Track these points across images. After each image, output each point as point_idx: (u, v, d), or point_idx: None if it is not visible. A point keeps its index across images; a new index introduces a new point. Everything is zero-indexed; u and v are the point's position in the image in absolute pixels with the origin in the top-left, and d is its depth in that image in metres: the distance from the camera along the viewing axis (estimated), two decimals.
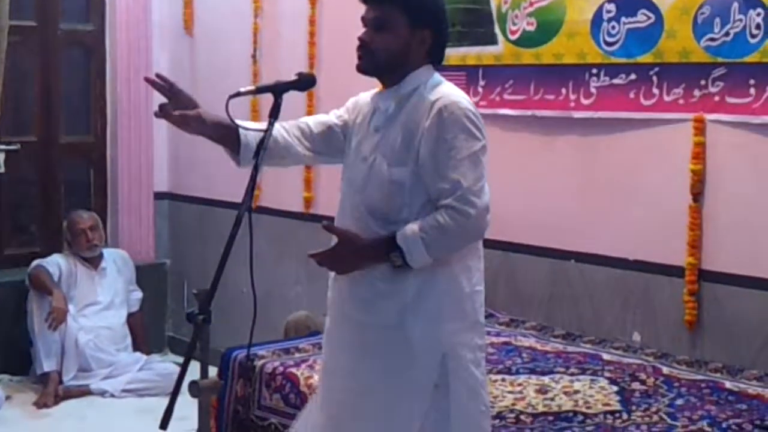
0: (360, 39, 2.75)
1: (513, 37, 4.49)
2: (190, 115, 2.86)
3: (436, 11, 2.78)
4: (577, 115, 4.29)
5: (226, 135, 2.88)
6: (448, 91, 2.69)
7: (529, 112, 4.46)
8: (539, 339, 4.22)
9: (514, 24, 4.47)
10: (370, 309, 2.73)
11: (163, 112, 2.84)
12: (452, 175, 2.60)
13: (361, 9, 2.79)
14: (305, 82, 2.91)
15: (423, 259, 2.61)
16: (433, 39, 2.75)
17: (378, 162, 2.72)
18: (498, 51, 4.55)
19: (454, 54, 4.60)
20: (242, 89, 2.83)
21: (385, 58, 2.73)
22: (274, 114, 2.80)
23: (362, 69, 2.78)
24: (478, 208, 2.59)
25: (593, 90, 4.23)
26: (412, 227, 2.61)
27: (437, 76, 2.79)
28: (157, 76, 2.87)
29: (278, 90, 2.82)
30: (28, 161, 6.11)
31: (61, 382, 5.52)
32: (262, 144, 2.75)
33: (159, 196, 6.50)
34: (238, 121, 2.84)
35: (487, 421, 2.81)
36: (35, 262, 5.66)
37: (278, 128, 2.84)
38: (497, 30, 4.54)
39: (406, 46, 2.72)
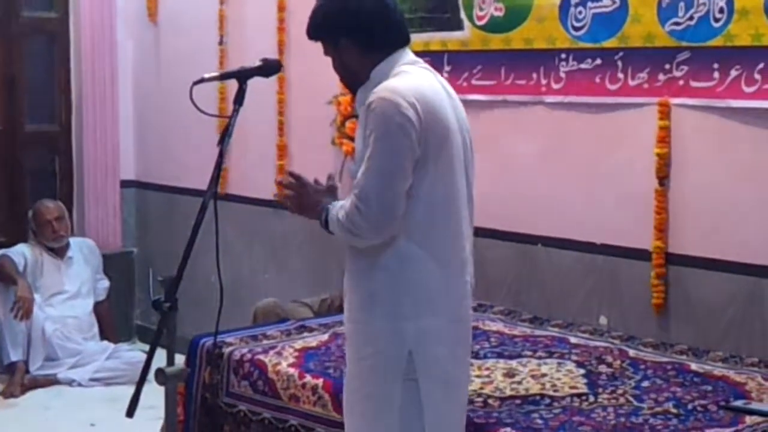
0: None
1: (480, 23, 4.49)
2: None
3: (340, 17, 2.72)
4: (548, 99, 4.30)
5: None
6: (387, 85, 2.62)
7: (500, 98, 4.46)
8: (507, 323, 4.24)
9: (481, 9, 4.47)
10: (348, 302, 2.75)
11: None
12: (362, 170, 2.58)
13: None
14: (270, 68, 2.90)
15: (337, 235, 2.65)
16: (356, 40, 2.70)
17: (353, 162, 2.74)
18: (464, 36, 4.55)
19: (417, 40, 4.56)
20: (206, 75, 2.83)
21: (344, 79, 2.82)
22: (239, 100, 2.80)
23: (352, 94, 2.84)
24: (375, 210, 2.55)
25: (563, 75, 4.24)
26: (343, 202, 2.62)
27: (403, 63, 2.72)
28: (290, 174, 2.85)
29: (243, 76, 2.81)
30: None
31: (27, 371, 5.49)
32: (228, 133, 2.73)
33: (125, 184, 6.47)
34: None
35: (464, 416, 2.80)
36: None
37: None
38: (463, 15, 4.54)
39: (342, 63, 2.75)
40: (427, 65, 2.80)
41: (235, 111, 2.78)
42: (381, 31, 2.73)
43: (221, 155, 2.76)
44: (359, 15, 2.71)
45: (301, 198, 2.76)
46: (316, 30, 2.76)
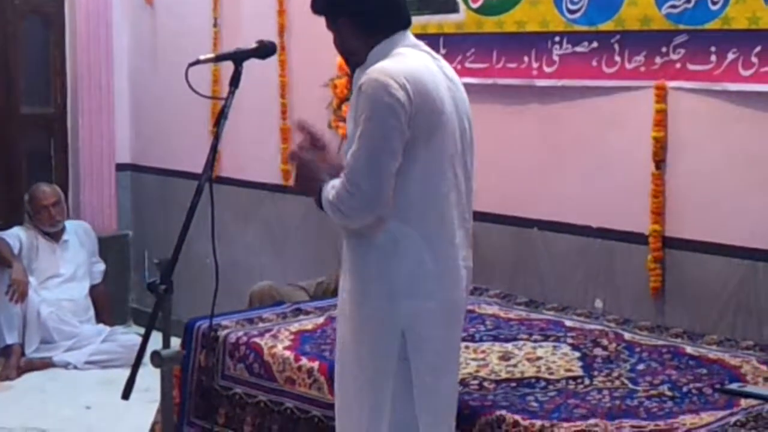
0: None
1: (475, 5, 4.48)
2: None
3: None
4: (540, 83, 4.29)
5: None
6: (379, 66, 2.62)
7: (491, 81, 4.45)
8: (502, 306, 4.24)
9: None
10: (342, 283, 2.77)
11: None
12: (352, 150, 2.59)
13: None
14: (266, 50, 2.89)
15: (329, 215, 2.66)
16: (353, 20, 2.71)
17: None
18: (460, 19, 4.54)
19: (415, 22, 4.53)
20: (201, 57, 2.83)
21: (344, 57, 2.83)
22: (235, 82, 2.79)
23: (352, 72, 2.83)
24: (363, 190, 2.56)
25: (556, 58, 4.23)
26: (335, 181, 2.63)
27: (401, 45, 2.71)
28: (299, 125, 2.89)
29: (238, 58, 2.81)
30: None
31: (23, 354, 5.49)
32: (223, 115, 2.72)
33: (121, 167, 6.45)
34: None
35: (454, 398, 2.82)
36: None
37: None
38: None
39: (342, 41, 2.75)
40: (428, 48, 2.80)
41: (231, 93, 2.78)
42: (380, 13, 2.74)
43: (217, 138, 2.75)
44: None
45: (304, 170, 2.74)
46: (318, 3, 2.78)
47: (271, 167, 5.56)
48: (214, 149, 2.73)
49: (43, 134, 6.34)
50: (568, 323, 3.96)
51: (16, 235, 5.66)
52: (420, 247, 2.65)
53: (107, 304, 6.08)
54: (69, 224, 5.93)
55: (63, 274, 5.80)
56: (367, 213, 2.61)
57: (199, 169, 2.74)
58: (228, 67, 2.86)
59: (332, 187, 2.63)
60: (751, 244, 3.74)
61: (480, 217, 4.42)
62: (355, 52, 2.74)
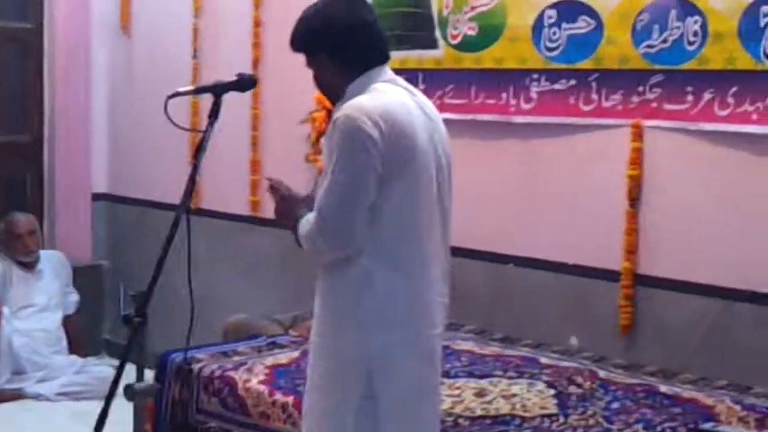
0: None
1: (454, 42, 4.51)
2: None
3: (315, 32, 2.74)
4: (518, 119, 4.32)
5: None
6: (353, 102, 2.63)
7: (469, 117, 4.47)
8: (478, 342, 4.24)
9: (455, 28, 4.49)
10: (316, 317, 2.75)
11: None
12: (324, 185, 2.60)
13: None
14: (245, 83, 2.90)
15: (300, 241, 2.68)
16: (335, 57, 2.71)
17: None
18: (439, 55, 4.57)
19: (394, 58, 4.53)
20: (181, 89, 2.83)
21: (323, 92, 2.83)
22: (214, 114, 2.80)
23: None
24: (334, 227, 2.58)
25: (534, 95, 4.26)
26: (309, 216, 2.64)
27: (379, 81, 2.72)
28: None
29: (218, 90, 2.82)
30: None
31: None
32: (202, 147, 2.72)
33: (97, 197, 6.42)
34: None
35: None
36: None
37: None
38: (438, 34, 4.56)
39: (321, 76, 2.77)
40: (405, 84, 2.80)
41: (210, 125, 2.79)
42: (358, 49, 2.74)
43: (195, 169, 2.76)
44: (338, 31, 2.73)
45: (282, 204, 2.78)
46: (297, 41, 2.79)
47: (245, 199, 5.56)
48: (192, 181, 2.73)
49: (18, 163, 6.30)
50: (543, 360, 3.96)
51: None
52: (392, 281, 2.63)
53: (80, 335, 6.03)
54: (43, 254, 5.89)
55: (37, 304, 5.75)
56: (338, 248, 2.61)
57: (176, 200, 2.74)
58: (207, 98, 2.87)
59: (307, 221, 2.64)
60: (725, 283, 3.76)
61: (456, 252, 4.40)
62: (334, 87, 2.75)
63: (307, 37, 2.75)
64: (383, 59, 2.79)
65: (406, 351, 2.66)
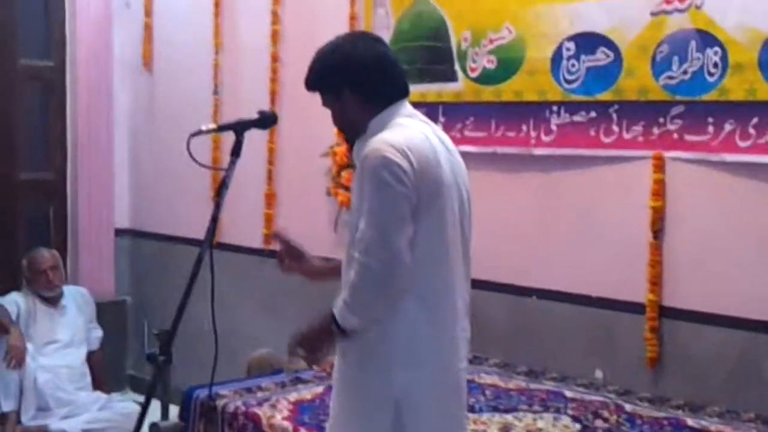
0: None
1: (473, 75, 4.52)
2: (297, 268, 3.02)
3: (342, 68, 2.73)
4: (538, 152, 4.32)
5: (336, 273, 2.88)
6: (381, 137, 2.63)
7: (490, 149, 4.48)
8: (502, 376, 4.22)
9: (474, 62, 4.51)
10: (339, 351, 2.73)
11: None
12: (361, 226, 2.56)
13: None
14: (267, 120, 2.91)
15: (353, 321, 2.57)
16: (357, 92, 2.72)
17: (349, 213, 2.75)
18: (458, 88, 4.58)
19: (414, 91, 4.55)
20: (203, 127, 2.83)
21: (346, 132, 2.81)
22: (236, 152, 2.80)
23: (349, 149, 2.85)
24: (381, 259, 2.52)
25: (554, 127, 4.26)
26: (342, 293, 2.59)
27: (402, 117, 2.72)
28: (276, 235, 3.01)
29: (240, 128, 2.82)
30: None
31: (19, 421, 5.42)
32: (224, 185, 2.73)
33: (120, 232, 6.46)
34: None
35: None
36: None
37: None
38: (457, 67, 4.57)
39: (343, 113, 2.75)
40: (425, 118, 2.81)
41: (232, 163, 2.79)
42: (380, 83, 2.75)
43: (218, 207, 2.77)
44: (361, 66, 2.74)
45: (301, 345, 2.72)
46: (317, 80, 2.77)
47: (260, 232, 5.58)
48: (214, 219, 2.74)
49: (42, 200, 6.35)
50: (568, 394, 3.94)
51: (14, 301, 5.63)
52: (418, 316, 2.62)
53: (104, 371, 6.03)
54: (67, 290, 5.90)
55: (60, 340, 5.76)
56: (390, 282, 2.54)
57: (198, 235, 2.75)
58: (228, 133, 2.88)
59: (341, 295, 2.58)
60: (751, 315, 3.73)
61: (478, 285, 4.41)
62: (357, 122, 2.73)
63: (328, 74, 2.75)
64: (404, 94, 2.79)
65: (433, 386, 2.65)
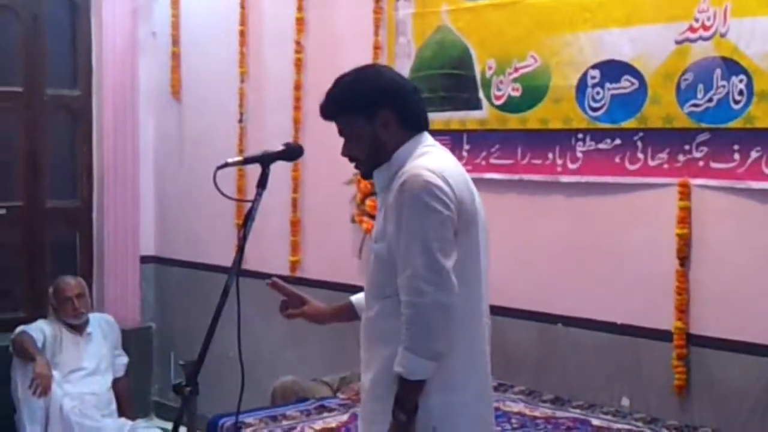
0: (342, 155, 2.79)
1: (498, 102, 4.53)
2: (301, 314, 3.05)
3: (382, 89, 2.73)
4: (564, 179, 4.31)
5: (346, 313, 2.99)
6: (418, 163, 2.63)
7: (516, 177, 4.48)
8: (528, 404, 4.20)
9: (499, 89, 4.52)
10: (366, 379, 2.72)
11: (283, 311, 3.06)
12: (405, 263, 2.54)
13: None
14: (293, 153, 2.92)
15: (423, 366, 2.53)
16: (396, 112, 2.70)
17: (372, 240, 2.73)
18: (483, 116, 4.59)
19: (438, 118, 4.66)
20: (230, 160, 2.85)
21: (369, 159, 2.75)
22: (262, 184, 2.81)
23: (364, 177, 2.84)
24: (430, 292, 2.50)
25: (579, 154, 4.26)
26: (400, 348, 2.54)
27: (426, 144, 2.73)
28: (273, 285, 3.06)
29: (266, 160, 2.83)
30: (14, 226, 6.11)
31: None
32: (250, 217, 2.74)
33: (145, 259, 6.49)
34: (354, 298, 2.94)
35: None
36: (19, 328, 5.61)
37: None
38: (481, 95, 4.58)
39: (375, 138, 2.70)
40: (444, 148, 2.82)
41: (258, 195, 2.80)
42: (416, 109, 2.77)
43: (244, 238, 2.78)
44: (404, 89, 2.77)
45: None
46: (352, 102, 2.71)
47: (286, 259, 5.59)
48: (240, 250, 2.75)
49: (68, 227, 6.40)
50: (595, 422, 3.92)
51: (40, 329, 5.66)
52: (452, 340, 2.61)
53: (130, 398, 6.05)
54: (92, 317, 5.93)
55: (86, 367, 5.78)
56: (448, 307, 2.53)
57: (223, 261, 2.77)
58: (253, 165, 2.90)
59: (402, 337, 2.54)
60: None
61: (504, 312, 4.45)
62: (386, 148, 2.71)
63: (370, 94, 2.71)
64: (427, 124, 2.81)
65: (470, 410, 2.66)
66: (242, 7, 5.86)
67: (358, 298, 2.92)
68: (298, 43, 5.50)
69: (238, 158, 2.91)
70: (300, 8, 5.49)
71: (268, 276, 5.60)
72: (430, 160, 2.66)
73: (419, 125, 2.76)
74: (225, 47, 5.96)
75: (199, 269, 6.14)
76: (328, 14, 5.38)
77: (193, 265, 6.25)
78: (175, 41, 6.35)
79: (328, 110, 2.78)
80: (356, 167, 2.81)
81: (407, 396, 2.55)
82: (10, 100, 5.99)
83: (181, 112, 6.37)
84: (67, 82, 6.32)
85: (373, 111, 2.70)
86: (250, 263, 5.67)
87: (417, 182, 2.56)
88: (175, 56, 6.35)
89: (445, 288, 2.52)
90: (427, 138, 2.77)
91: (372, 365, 2.70)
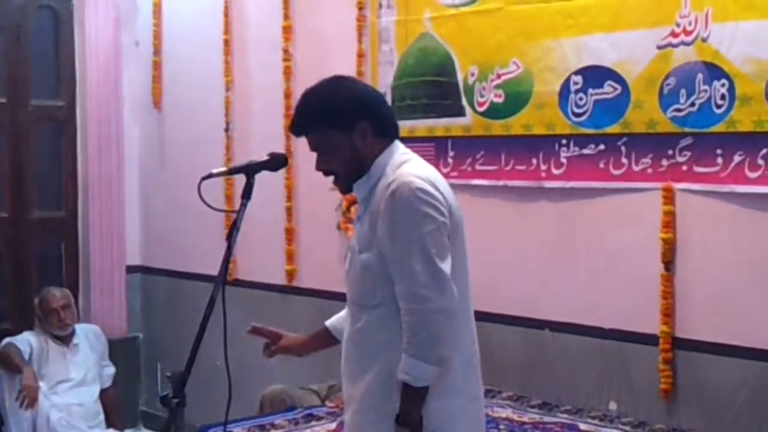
0: (317, 170, 2.78)
1: (481, 109, 4.54)
2: (281, 349, 3.05)
3: (357, 100, 2.73)
4: (549, 185, 4.33)
5: (322, 340, 3.00)
6: (404, 171, 2.63)
7: (500, 183, 4.49)
8: (516, 410, 4.21)
9: (482, 96, 4.53)
10: (353, 389, 2.72)
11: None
12: (403, 271, 2.55)
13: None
14: (277, 162, 2.91)
15: (428, 371, 2.54)
16: (373, 123, 2.70)
17: (354, 250, 2.72)
18: (466, 122, 4.60)
19: (421, 126, 4.68)
20: (214, 171, 2.84)
21: (347, 173, 2.74)
22: (247, 194, 2.81)
23: (343, 192, 2.84)
24: (433, 298, 2.52)
25: (563, 160, 4.27)
26: (404, 356, 2.55)
27: (401, 153, 2.73)
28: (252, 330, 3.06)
29: (250, 171, 2.82)
30: None
31: None
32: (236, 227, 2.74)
33: (131, 269, 6.48)
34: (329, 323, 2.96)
35: None
36: (5, 340, 5.60)
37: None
38: (464, 102, 4.59)
39: (354, 150, 2.70)
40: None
41: (243, 205, 2.79)
42: (390, 118, 2.78)
43: (229, 249, 2.77)
44: (378, 100, 2.79)
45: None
46: (329, 115, 2.70)
47: (279, 268, 5.58)
48: (226, 262, 2.74)
49: (53, 238, 6.38)
50: (582, 426, 3.93)
51: (27, 340, 5.65)
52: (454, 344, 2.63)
53: (117, 408, 6.04)
54: (79, 328, 5.91)
55: (73, 378, 5.77)
56: (452, 305, 2.54)
57: (209, 270, 2.77)
58: (239, 176, 2.89)
59: (405, 345, 2.55)
60: (764, 346, 3.72)
61: (491, 318, 4.46)
62: (366, 159, 2.71)
63: (347, 107, 2.70)
64: (398, 132, 2.81)
65: (465, 414, 2.67)
66: (225, 15, 5.85)
67: (332, 321, 2.94)
68: (286, 51, 5.49)
69: (223, 169, 2.91)
70: (287, 16, 5.49)
71: (264, 286, 5.68)
72: (415, 167, 2.67)
73: (393, 133, 2.77)
74: (209, 56, 5.95)
75: (186, 278, 6.13)
76: (314, 22, 5.38)
77: (179, 275, 6.25)
78: (157, 51, 6.34)
79: (300, 126, 2.77)
80: (334, 182, 2.80)
81: (413, 403, 2.56)
82: None
83: (164, 122, 6.36)
84: (51, 93, 6.31)
85: (351, 124, 2.69)
86: (244, 273, 5.71)
87: (409, 190, 2.56)
88: (157, 66, 6.34)
89: (447, 293, 2.54)
90: (400, 146, 2.77)
91: (364, 376, 2.68)
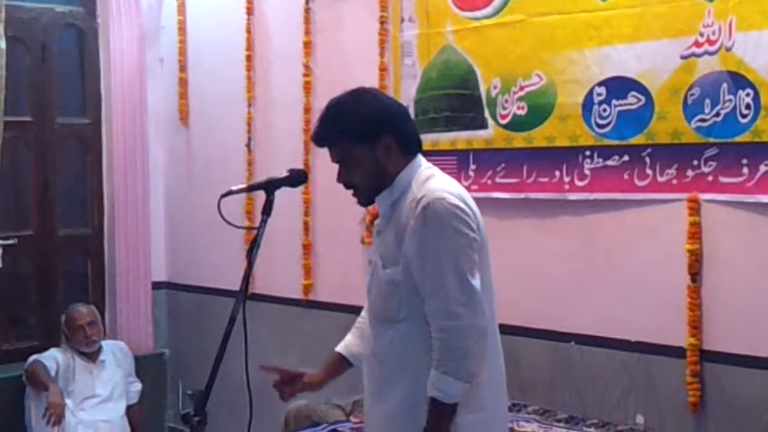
0: (338, 182, 2.79)
1: (503, 122, 4.51)
2: (301, 389, 3.04)
3: (383, 115, 2.73)
4: (572, 197, 4.30)
5: (337, 367, 3.00)
6: (434, 186, 2.64)
7: (522, 195, 4.46)
8: (542, 424, 4.18)
9: (504, 108, 4.50)
10: (379, 403, 2.73)
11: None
12: (435, 287, 2.55)
13: None
14: (297, 179, 2.92)
15: (460, 388, 2.54)
16: (397, 137, 2.71)
17: (377, 264, 2.72)
18: (488, 135, 4.58)
19: (443, 139, 4.66)
20: (234, 188, 2.85)
21: (369, 187, 2.75)
22: (267, 211, 2.81)
23: (363, 205, 2.85)
24: (466, 315, 2.53)
25: (587, 172, 4.24)
26: (433, 371, 2.55)
27: (425, 167, 2.75)
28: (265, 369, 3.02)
29: (270, 187, 2.83)
30: (26, 255, 6.10)
31: None
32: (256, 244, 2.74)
33: (157, 285, 6.48)
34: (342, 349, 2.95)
35: None
36: (32, 358, 5.62)
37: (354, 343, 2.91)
38: (487, 114, 4.57)
39: (378, 164, 2.71)
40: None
41: (263, 222, 2.80)
42: (413, 132, 2.79)
43: (250, 266, 2.77)
44: (402, 114, 2.80)
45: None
46: (352, 129, 2.71)
47: (298, 283, 5.58)
48: (246, 278, 2.74)
49: (79, 255, 6.40)
50: None
51: (53, 357, 5.67)
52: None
53: (144, 425, 6.04)
54: (105, 344, 5.93)
55: (100, 394, 5.78)
56: (482, 321, 2.55)
57: (234, 286, 2.76)
58: (259, 192, 2.90)
59: (436, 361, 2.55)
60: None
61: (516, 331, 4.44)
62: (389, 173, 2.72)
63: (371, 120, 2.71)
64: (421, 146, 2.81)
65: (492, 428, 2.68)
66: (248, 32, 5.86)
67: (345, 346, 2.93)
68: (306, 66, 5.49)
69: (242, 186, 2.91)
70: (307, 32, 5.49)
71: (282, 300, 5.68)
72: (443, 183, 2.68)
73: (416, 148, 2.78)
74: (232, 72, 5.96)
75: (211, 294, 6.14)
76: (335, 37, 5.38)
77: (205, 290, 6.25)
78: (182, 67, 6.36)
79: (324, 137, 2.78)
80: (354, 194, 2.80)
81: (442, 420, 2.56)
82: (20, 130, 6.00)
83: (190, 138, 6.37)
84: (76, 111, 6.33)
85: (376, 138, 2.69)
86: (263, 288, 5.70)
87: (441, 206, 2.57)
88: (183, 82, 6.36)
89: (479, 310, 2.55)
90: (422, 160, 2.79)
91: (392, 392, 2.69)
